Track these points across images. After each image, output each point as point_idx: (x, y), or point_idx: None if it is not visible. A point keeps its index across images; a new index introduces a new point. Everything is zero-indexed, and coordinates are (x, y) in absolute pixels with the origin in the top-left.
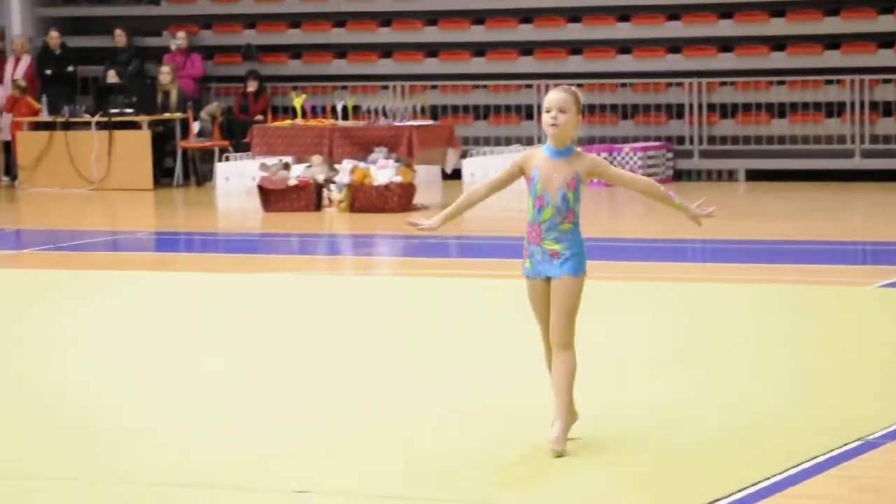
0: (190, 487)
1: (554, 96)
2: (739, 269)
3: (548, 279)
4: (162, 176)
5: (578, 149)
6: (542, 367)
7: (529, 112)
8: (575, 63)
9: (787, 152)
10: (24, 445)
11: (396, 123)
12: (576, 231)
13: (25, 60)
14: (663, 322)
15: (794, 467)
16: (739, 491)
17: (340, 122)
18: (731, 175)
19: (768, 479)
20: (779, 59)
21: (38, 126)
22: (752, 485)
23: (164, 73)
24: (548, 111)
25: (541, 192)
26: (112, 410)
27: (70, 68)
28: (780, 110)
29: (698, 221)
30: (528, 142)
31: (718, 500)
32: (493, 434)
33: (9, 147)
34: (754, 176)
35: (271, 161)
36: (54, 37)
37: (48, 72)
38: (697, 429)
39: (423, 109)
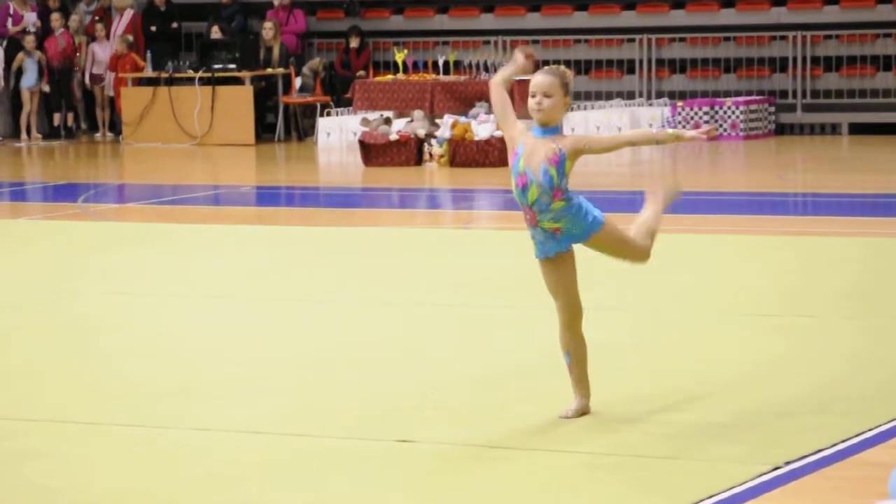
0: (293, 437)
1: (539, 79)
2: (843, 223)
3: (557, 255)
4: (264, 131)
5: (564, 132)
6: (634, 320)
7: (631, 67)
8: (677, 17)
9: (892, 105)
10: (135, 397)
11: None
12: (570, 207)
13: (127, 16)
14: (766, 275)
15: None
16: (842, 441)
17: (442, 77)
18: (834, 129)
19: (872, 429)
20: (884, 12)
21: (141, 82)
22: (856, 435)
23: (267, 29)
24: (532, 96)
25: (523, 168)
26: (214, 364)
27: (174, 25)
28: (886, 63)
29: (705, 136)
30: (629, 96)
31: (820, 450)
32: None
33: (113, 103)
34: (858, 130)
35: (373, 116)
36: None
37: (153, 28)
38: (793, 380)
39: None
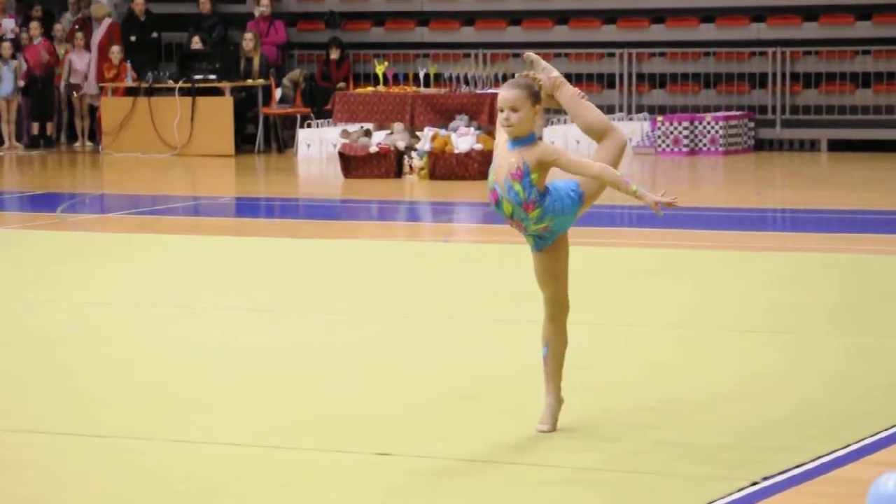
0: (271, 449)
1: (504, 95)
2: (820, 239)
3: (547, 246)
4: (243, 142)
5: (539, 140)
6: (615, 334)
7: (611, 81)
8: (658, 32)
9: (871, 122)
10: (116, 407)
11: (478, 91)
12: (545, 208)
13: (105, 25)
14: (741, 291)
15: (874, 435)
16: (819, 457)
17: (422, 90)
18: (813, 145)
19: (849, 445)
20: (863, 29)
21: (122, 92)
22: (832, 451)
23: (248, 40)
24: (501, 111)
25: (492, 183)
26: (194, 374)
27: (154, 34)
28: (865, 80)
29: (657, 209)
30: (610, 110)
31: (797, 466)
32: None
33: (93, 112)
34: (836, 146)
35: (352, 128)
36: (139, 3)
37: (132, 38)
38: (778, 397)
39: (504, 77)
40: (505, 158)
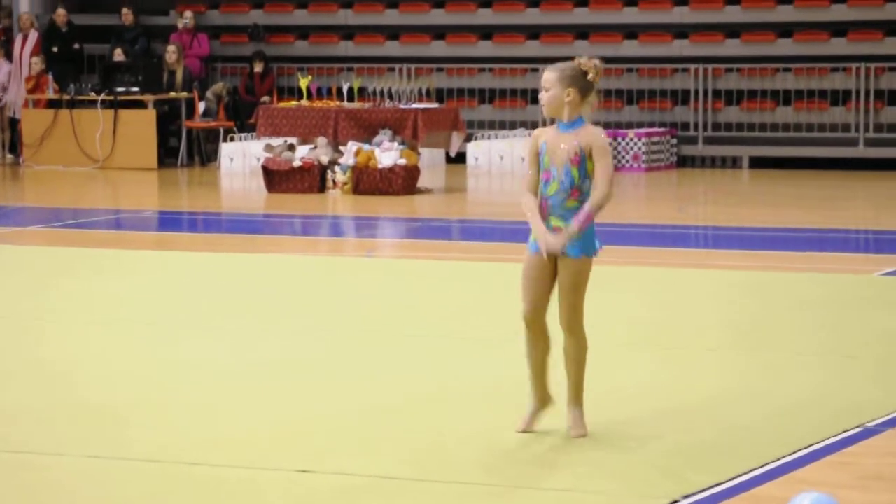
0: (189, 465)
1: (543, 75)
2: (741, 256)
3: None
4: (166, 155)
5: (590, 123)
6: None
7: (535, 96)
8: (581, 47)
9: (792, 140)
10: (26, 422)
11: (402, 106)
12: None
13: (33, 37)
14: (664, 307)
15: (793, 453)
16: (738, 476)
17: (346, 104)
18: (734, 162)
19: (767, 464)
20: (785, 46)
21: (44, 104)
22: (751, 470)
23: (171, 53)
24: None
25: (548, 164)
26: (108, 389)
27: (76, 46)
28: (786, 97)
29: (556, 247)
30: (533, 125)
31: (717, 485)
32: (495, 418)
33: (14, 124)
34: (758, 163)
35: (276, 142)
36: (61, 14)
37: (54, 49)
38: (697, 416)
39: (428, 92)
40: (564, 142)
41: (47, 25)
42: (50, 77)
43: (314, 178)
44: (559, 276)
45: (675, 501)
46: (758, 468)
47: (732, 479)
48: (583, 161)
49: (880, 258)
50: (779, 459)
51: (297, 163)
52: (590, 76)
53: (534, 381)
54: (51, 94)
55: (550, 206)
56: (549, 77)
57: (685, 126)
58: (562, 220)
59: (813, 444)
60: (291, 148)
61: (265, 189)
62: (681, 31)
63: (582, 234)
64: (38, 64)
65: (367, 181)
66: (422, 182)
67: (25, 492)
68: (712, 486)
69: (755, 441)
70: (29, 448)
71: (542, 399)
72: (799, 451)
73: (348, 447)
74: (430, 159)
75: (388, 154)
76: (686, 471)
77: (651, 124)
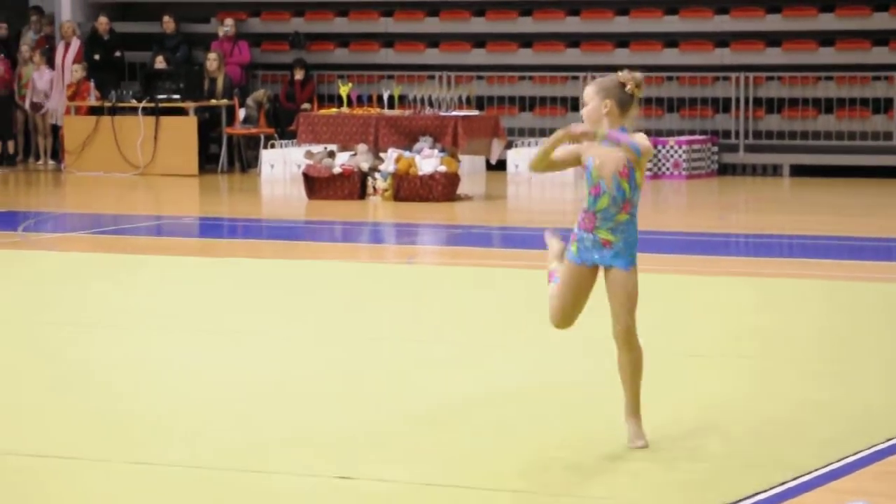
0: (230, 472)
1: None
2: (782, 264)
3: (595, 267)
4: (207, 162)
5: (635, 133)
6: (583, 357)
7: (575, 104)
8: (621, 56)
9: (833, 148)
10: (57, 426)
11: (442, 113)
12: (632, 223)
13: (75, 45)
14: (705, 316)
15: (834, 462)
16: (780, 485)
17: (386, 111)
18: (775, 170)
19: (808, 473)
20: (827, 55)
21: (85, 111)
22: (793, 479)
23: (212, 60)
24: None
25: (596, 179)
26: (148, 395)
27: (117, 53)
28: (827, 106)
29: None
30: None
31: (758, 493)
32: (535, 425)
33: (56, 131)
34: (799, 171)
35: (316, 149)
36: (103, 22)
37: (96, 57)
38: (737, 423)
39: (468, 100)
40: (611, 157)
41: (89, 33)
42: (91, 84)
43: (354, 185)
44: (613, 289)
45: None
46: (799, 476)
47: (774, 487)
48: (631, 172)
49: None
50: (824, 467)
51: (337, 170)
52: (628, 87)
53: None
54: (92, 100)
55: (600, 218)
56: (588, 91)
57: (726, 134)
58: (611, 234)
59: (856, 453)
60: (332, 155)
61: (305, 196)
62: (721, 40)
63: (611, 140)
64: (78, 71)
65: (408, 188)
66: (462, 189)
67: (70, 498)
68: (755, 494)
69: (800, 448)
70: (71, 454)
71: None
72: (841, 459)
73: (388, 454)
74: (471, 166)
75: (428, 161)
76: (728, 478)
77: (692, 132)
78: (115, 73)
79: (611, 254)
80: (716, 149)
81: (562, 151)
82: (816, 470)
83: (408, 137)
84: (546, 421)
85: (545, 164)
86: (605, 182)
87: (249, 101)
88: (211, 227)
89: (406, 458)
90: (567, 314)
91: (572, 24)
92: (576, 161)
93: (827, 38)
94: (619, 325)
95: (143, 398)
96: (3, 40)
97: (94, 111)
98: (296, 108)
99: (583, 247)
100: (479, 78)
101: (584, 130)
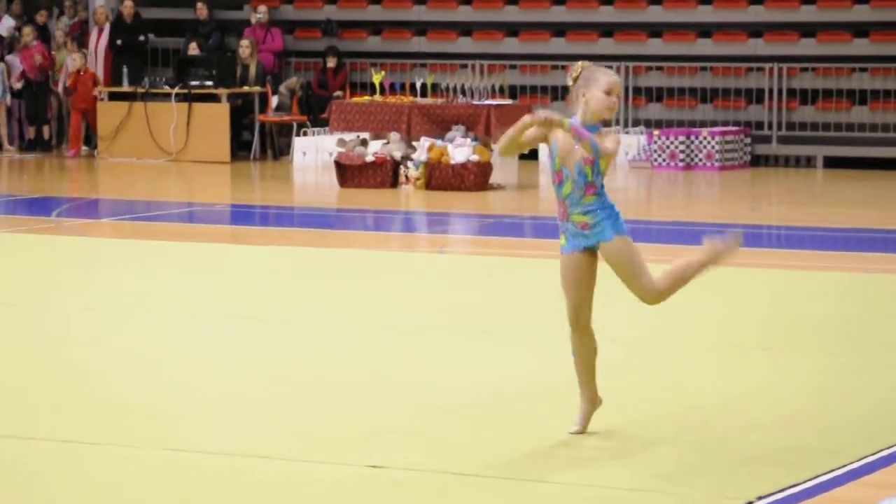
0: (262, 459)
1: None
2: (815, 256)
3: (585, 250)
4: (239, 149)
5: (603, 129)
6: (615, 346)
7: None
8: (655, 46)
9: (867, 140)
10: (103, 416)
11: (475, 102)
12: (600, 200)
13: (108, 31)
14: (738, 307)
15: (873, 454)
16: (814, 478)
17: (419, 100)
18: (809, 161)
19: (843, 466)
20: (861, 46)
21: (117, 97)
22: (827, 472)
23: (244, 47)
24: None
25: (559, 166)
26: (183, 383)
27: (141, 38)
28: (861, 97)
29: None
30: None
31: (793, 486)
32: (563, 415)
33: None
34: (832, 163)
35: (349, 137)
36: (128, 6)
37: (119, 41)
38: (769, 414)
39: (501, 89)
40: (574, 143)
41: (115, 18)
42: (125, 70)
43: (386, 174)
44: (612, 264)
45: (750, 502)
46: (837, 469)
47: (808, 480)
48: (596, 160)
49: None
50: (855, 462)
51: (369, 158)
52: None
53: (582, 382)
54: (125, 86)
55: (569, 205)
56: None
57: (759, 125)
58: (584, 216)
59: (889, 447)
60: (364, 143)
61: (337, 184)
62: (756, 31)
63: (574, 133)
64: (78, 59)
65: (440, 177)
66: (494, 178)
67: (108, 485)
68: (788, 487)
69: (831, 441)
70: (108, 440)
71: (591, 400)
72: (881, 451)
73: (417, 443)
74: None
75: (460, 150)
76: (759, 472)
77: (725, 123)
78: (139, 58)
79: (592, 233)
80: (749, 140)
81: (530, 131)
82: (856, 461)
83: (440, 126)
84: (576, 412)
85: (514, 149)
86: (568, 168)
87: (282, 88)
88: (242, 215)
89: (435, 446)
90: (572, 304)
91: (605, 14)
92: (542, 138)
93: (861, 29)
94: (634, 291)
95: (173, 385)
96: (42, 26)
97: (126, 97)
98: (328, 95)
99: (568, 235)
100: (512, 67)
101: (548, 117)
